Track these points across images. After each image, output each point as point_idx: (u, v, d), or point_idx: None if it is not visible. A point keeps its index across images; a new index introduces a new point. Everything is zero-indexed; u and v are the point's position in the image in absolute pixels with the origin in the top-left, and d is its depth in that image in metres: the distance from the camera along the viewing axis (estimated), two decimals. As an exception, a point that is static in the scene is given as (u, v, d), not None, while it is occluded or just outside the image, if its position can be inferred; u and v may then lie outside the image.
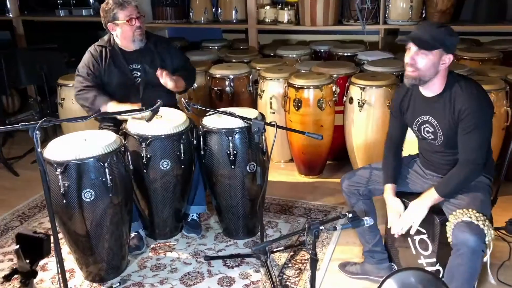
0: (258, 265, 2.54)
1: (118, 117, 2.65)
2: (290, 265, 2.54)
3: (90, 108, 2.69)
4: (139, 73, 2.80)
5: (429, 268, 2.13)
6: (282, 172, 3.69)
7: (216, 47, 4.92)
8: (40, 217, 3.13)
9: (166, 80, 2.66)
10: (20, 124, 1.88)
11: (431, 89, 2.03)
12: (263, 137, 2.57)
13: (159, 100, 2.28)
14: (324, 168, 3.63)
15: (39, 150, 1.88)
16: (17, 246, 1.80)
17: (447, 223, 1.93)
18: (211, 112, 2.43)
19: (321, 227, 1.85)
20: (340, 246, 2.69)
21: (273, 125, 2.23)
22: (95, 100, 2.66)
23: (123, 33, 2.71)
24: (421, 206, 2.03)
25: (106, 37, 2.83)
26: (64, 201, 2.23)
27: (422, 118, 2.12)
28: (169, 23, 4.98)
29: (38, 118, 4.84)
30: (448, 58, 1.95)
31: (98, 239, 2.37)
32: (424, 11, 4.19)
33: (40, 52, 4.29)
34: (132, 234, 2.69)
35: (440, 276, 2.12)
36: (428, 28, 1.96)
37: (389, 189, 2.20)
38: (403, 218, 2.07)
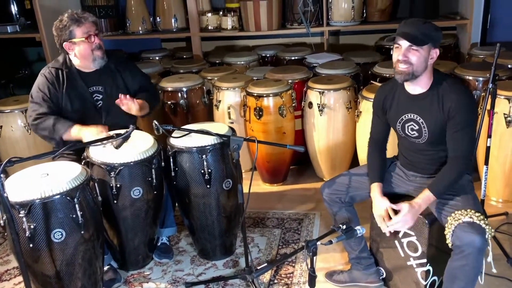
0: (243, 286, 2.45)
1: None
2: (275, 281, 2.47)
3: (51, 137, 2.46)
4: (100, 96, 2.58)
5: (419, 269, 2.16)
6: (245, 183, 3.58)
7: (157, 58, 4.74)
8: (-10, 259, 2.82)
9: (129, 105, 2.48)
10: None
11: (419, 85, 2.04)
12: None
13: (131, 125, 2.11)
14: (288, 174, 3.60)
15: (5, 195, 1.66)
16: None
17: (446, 225, 1.92)
18: (185, 133, 2.29)
19: (318, 243, 1.83)
20: (321, 254, 2.64)
21: (253, 141, 2.14)
22: (55, 127, 2.42)
23: (81, 52, 2.48)
24: (416, 210, 1.99)
25: (60, 58, 2.57)
26: (31, 245, 2.00)
27: (406, 116, 2.11)
28: (104, 36, 4.71)
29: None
30: (435, 53, 1.98)
31: (70, 278, 2.14)
32: (365, 11, 4.30)
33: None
34: (105, 268, 2.49)
35: (430, 275, 2.16)
36: (415, 24, 1.97)
37: (376, 188, 2.15)
38: (398, 219, 2.00)
